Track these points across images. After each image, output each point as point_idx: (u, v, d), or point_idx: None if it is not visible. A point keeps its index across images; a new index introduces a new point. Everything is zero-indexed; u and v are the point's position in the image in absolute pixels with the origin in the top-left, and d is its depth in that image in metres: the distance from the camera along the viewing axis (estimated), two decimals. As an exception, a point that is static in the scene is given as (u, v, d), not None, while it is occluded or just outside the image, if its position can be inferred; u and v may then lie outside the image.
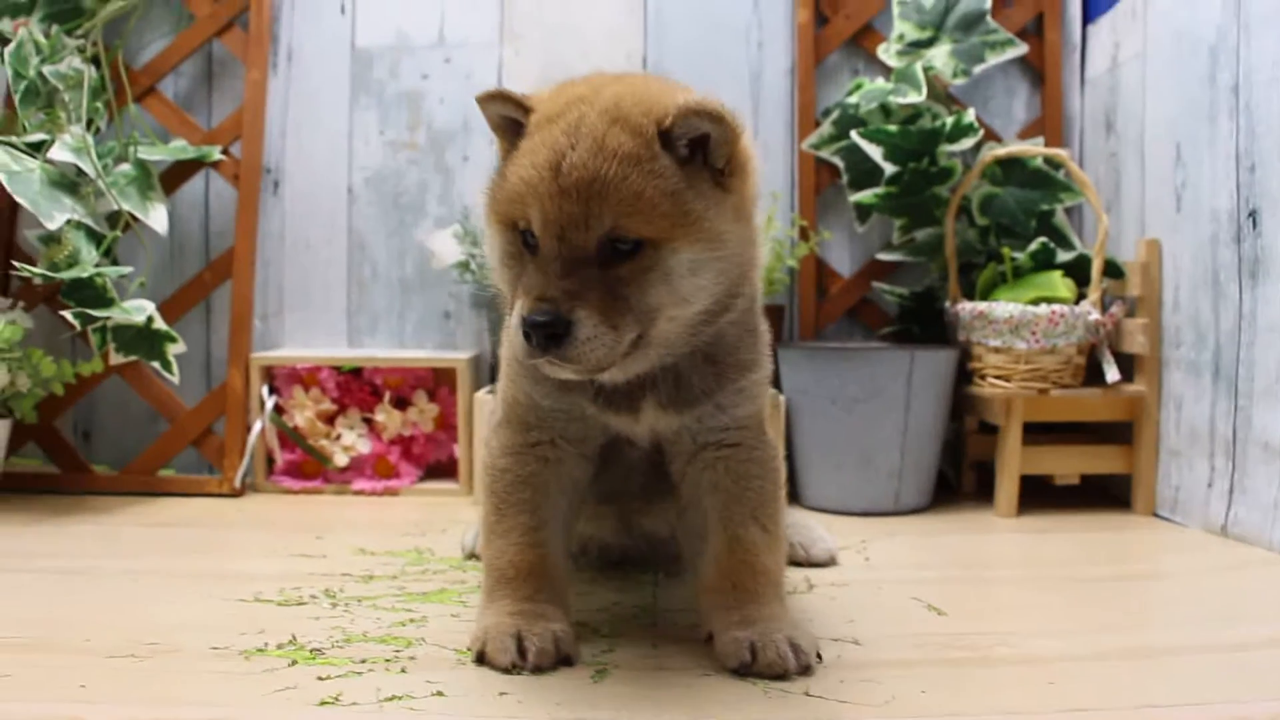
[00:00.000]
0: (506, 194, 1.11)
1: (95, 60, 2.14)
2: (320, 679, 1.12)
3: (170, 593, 1.46)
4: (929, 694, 1.09)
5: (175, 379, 2.07)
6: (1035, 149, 2.13)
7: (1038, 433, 2.04)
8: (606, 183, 1.05)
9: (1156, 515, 2.00)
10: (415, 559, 1.66)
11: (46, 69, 2.05)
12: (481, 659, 1.16)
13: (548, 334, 1.04)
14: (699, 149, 1.10)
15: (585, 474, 1.28)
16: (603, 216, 1.06)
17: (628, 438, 1.25)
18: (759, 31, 2.40)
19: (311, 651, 1.20)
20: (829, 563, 1.65)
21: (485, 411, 1.95)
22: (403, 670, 1.15)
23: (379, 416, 2.24)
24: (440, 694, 1.08)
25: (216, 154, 2.23)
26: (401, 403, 2.28)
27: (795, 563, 1.65)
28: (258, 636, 1.25)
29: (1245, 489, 1.75)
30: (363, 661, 1.17)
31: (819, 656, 1.17)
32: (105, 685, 1.10)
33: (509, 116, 1.16)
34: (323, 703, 1.05)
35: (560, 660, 1.16)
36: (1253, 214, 1.72)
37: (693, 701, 1.07)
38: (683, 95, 1.11)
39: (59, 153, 1.99)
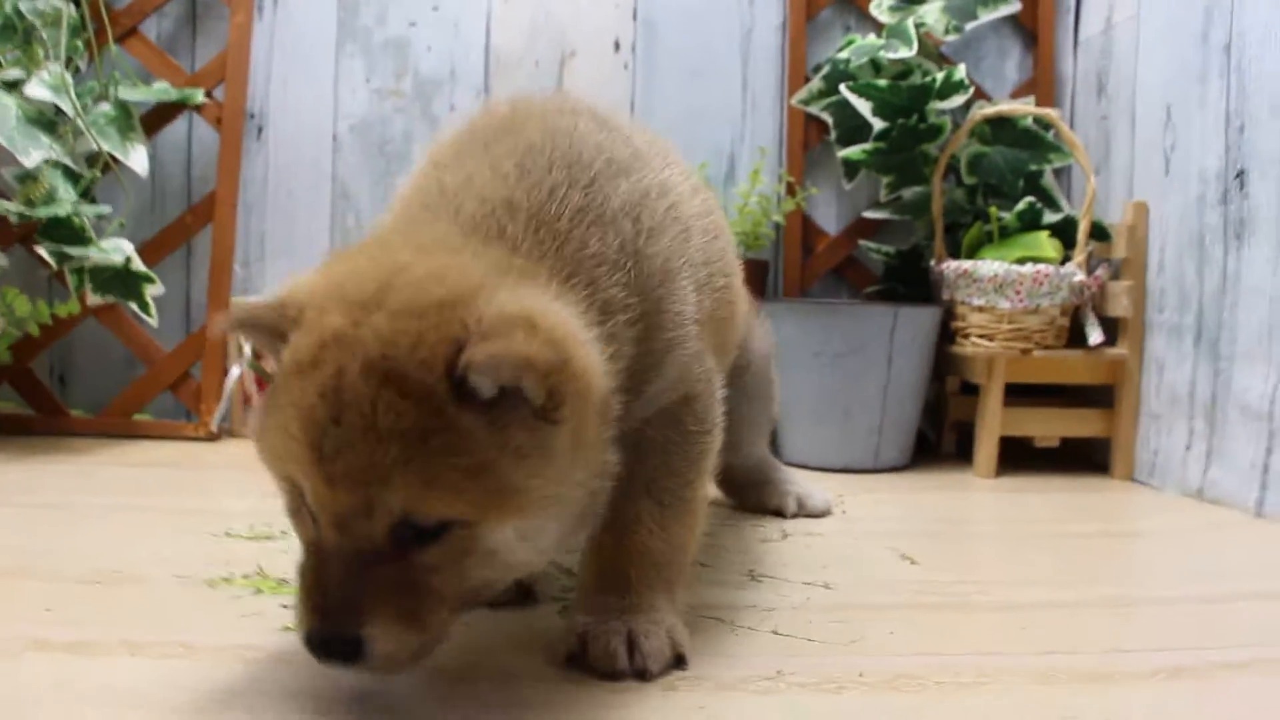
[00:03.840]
0: (273, 451, 0.84)
1: (75, -3, 2.10)
2: (284, 606, 1.11)
3: (141, 528, 1.45)
4: (896, 635, 1.09)
5: (153, 321, 2.05)
6: (1025, 109, 2.12)
7: (1019, 395, 2.04)
8: (386, 469, 0.77)
9: (1134, 480, 2.00)
10: (389, 502, 1.65)
11: (23, 4, 2.01)
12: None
13: (337, 655, 0.80)
14: (507, 389, 0.80)
15: None
16: (389, 503, 0.78)
17: None
18: (751, -14, 2.38)
19: (278, 582, 1.20)
20: (826, 513, 1.65)
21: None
22: (369, 602, 1.14)
23: (359, 365, 2.22)
24: (405, 624, 1.07)
25: (199, 97, 2.20)
26: (382, 352, 2.26)
27: (782, 513, 1.65)
28: (224, 567, 1.25)
29: (1223, 452, 1.75)
30: (329, 593, 1.16)
31: (680, 660, 0.98)
32: (70, 609, 1.09)
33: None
34: (286, 628, 1.04)
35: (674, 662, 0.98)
36: (1240, 174, 1.71)
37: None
38: (484, 311, 0.80)
39: (36, 89, 1.96)
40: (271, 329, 0.85)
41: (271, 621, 1.06)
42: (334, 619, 0.80)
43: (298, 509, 0.86)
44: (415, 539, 0.81)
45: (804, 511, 1.64)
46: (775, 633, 1.08)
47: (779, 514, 1.64)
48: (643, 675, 0.95)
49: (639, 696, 0.91)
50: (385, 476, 0.77)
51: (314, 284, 0.86)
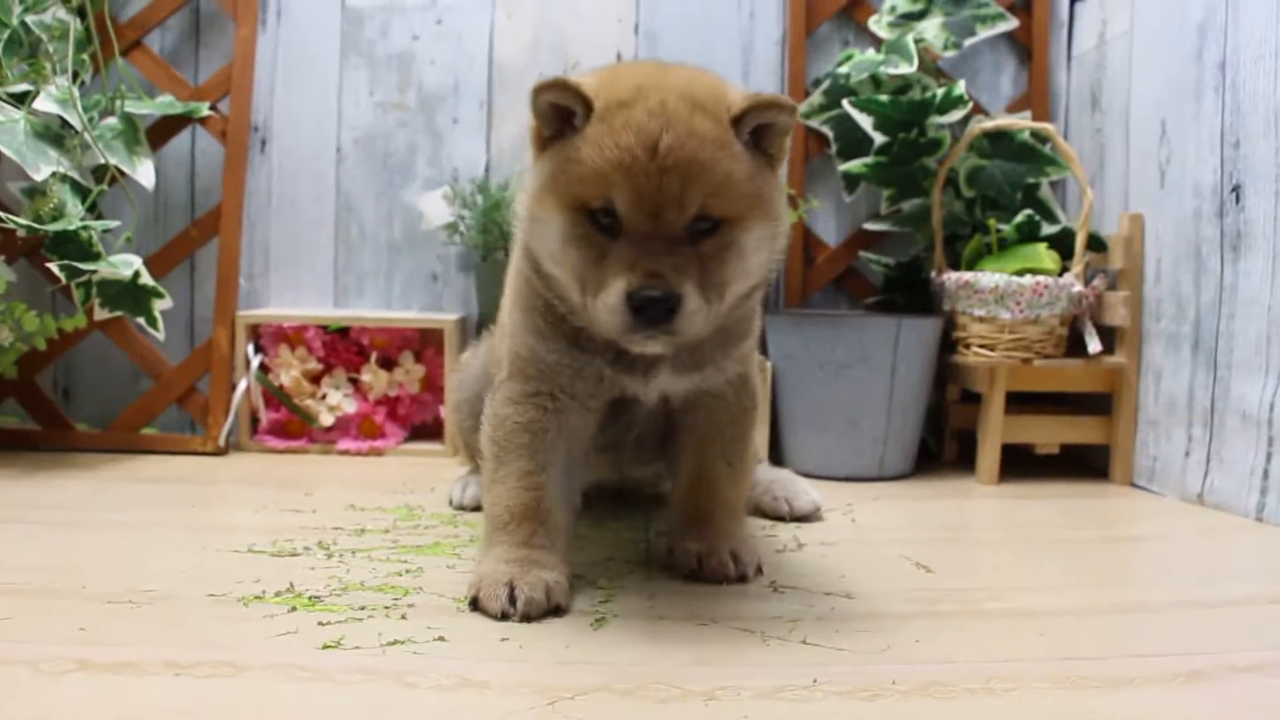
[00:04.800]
0: (580, 175, 1.13)
1: (80, 11, 2.10)
2: (321, 624, 1.12)
3: (163, 544, 1.46)
4: (923, 643, 1.12)
5: (161, 335, 2.06)
6: (1023, 123, 2.16)
7: (1019, 403, 2.07)
8: (702, 164, 1.10)
9: (1134, 485, 2.03)
10: (406, 515, 1.67)
11: (30, 19, 2.02)
12: (475, 605, 1.18)
13: (663, 308, 1.09)
14: (758, 136, 1.18)
15: (586, 425, 1.32)
16: (695, 196, 1.11)
17: (635, 397, 1.30)
18: (751, 1, 2.40)
19: (310, 599, 1.21)
20: (813, 514, 1.70)
21: (455, 377, 1.92)
22: (403, 617, 1.16)
23: (365, 377, 2.24)
24: (442, 639, 1.09)
25: (204, 110, 2.21)
26: (388, 363, 2.28)
27: (779, 516, 1.70)
28: (254, 585, 1.26)
29: (1222, 458, 1.79)
30: (362, 608, 1.18)
31: (760, 569, 1.35)
32: (105, 628, 1.10)
33: (561, 105, 1.16)
34: (325, 646, 1.06)
35: (550, 610, 1.17)
36: (1236, 189, 1.76)
37: (693, 647, 1.09)
38: (728, 85, 1.21)
39: (44, 104, 1.97)
40: (578, 94, 1.14)
41: (310, 639, 1.08)
42: (664, 279, 1.09)
43: (586, 235, 1.14)
44: (703, 232, 1.13)
45: (792, 514, 1.69)
46: (805, 642, 1.11)
47: (775, 518, 1.70)
48: (744, 579, 1.31)
49: (682, 708, 0.93)
50: (699, 173, 1.10)
51: (589, 82, 1.17)
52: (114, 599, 1.19)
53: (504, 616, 1.15)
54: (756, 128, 1.17)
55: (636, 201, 1.11)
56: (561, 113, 1.17)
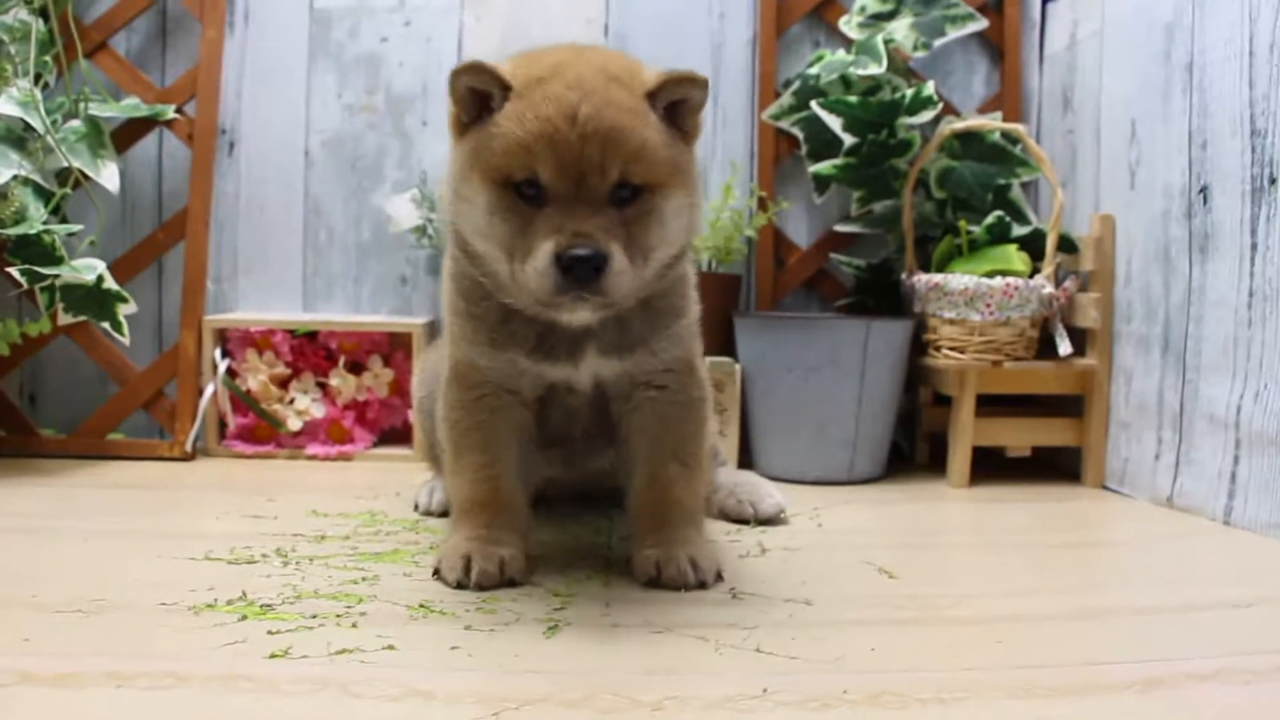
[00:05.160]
0: (504, 149, 1.17)
1: (43, 13, 2.09)
2: (270, 633, 1.11)
3: (120, 552, 1.44)
4: (878, 651, 1.11)
5: (126, 340, 2.04)
6: (993, 123, 2.15)
7: (990, 405, 2.07)
8: (620, 131, 1.16)
9: (1105, 487, 2.03)
10: (368, 521, 1.65)
11: (-8, 21, 2.00)
12: (437, 574, 1.31)
13: (590, 266, 1.13)
14: (672, 111, 1.24)
15: (528, 420, 1.39)
16: (615, 163, 1.16)
17: (568, 385, 1.35)
18: (721, 3, 2.39)
19: (262, 607, 1.20)
20: (777, 517, 1.69)
21: (416, 376, 1.91)
22: (354, 625, 1.14)
23: (333, 381, 2.22)
24: (391, 647, 1.08)
25: (170, 113, 2.19)
26: (356, 367, 2.26)
27: (743, 520, 1.69)
28: (207, 593, 1.24)
29: (1191, 460, 1.78)
30: (313, 617, 1.17)
31: (720, 575, 1.34)
32: (50, 639, 1.08)
33: (479, 89, 1.21)
34: (273, 655, 1.04)
35: (505, 581, 1.28)
36: (1204, 190, 1.75)
37: (644, 656, 1.08)
38: (644, 63, 1.27)
39: (5, 106, 1.95)
40: (494, 76, 1.19)
41: (258, 648, 1.06)
42: (591, 238, 1.13)
43: (511, 206, 1.18)
44: (619, 200, 1.17)
45: (756, 517, 1.68)
46: (759, 650, 1.10)
47: (740, 521, 1.69)
48: (703, 585, 1.30)
49: (629, 718, 0.92)
50: (617, 139, 1.15)
51: (505, 66, 1.22)
52: (63, 608, 1.18)
53: (459, 586, 1.27)
54: (671, 103, 1.23)
55: (559, 169, 1.15)
56: (479, 96, 1.21)
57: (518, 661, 1.05)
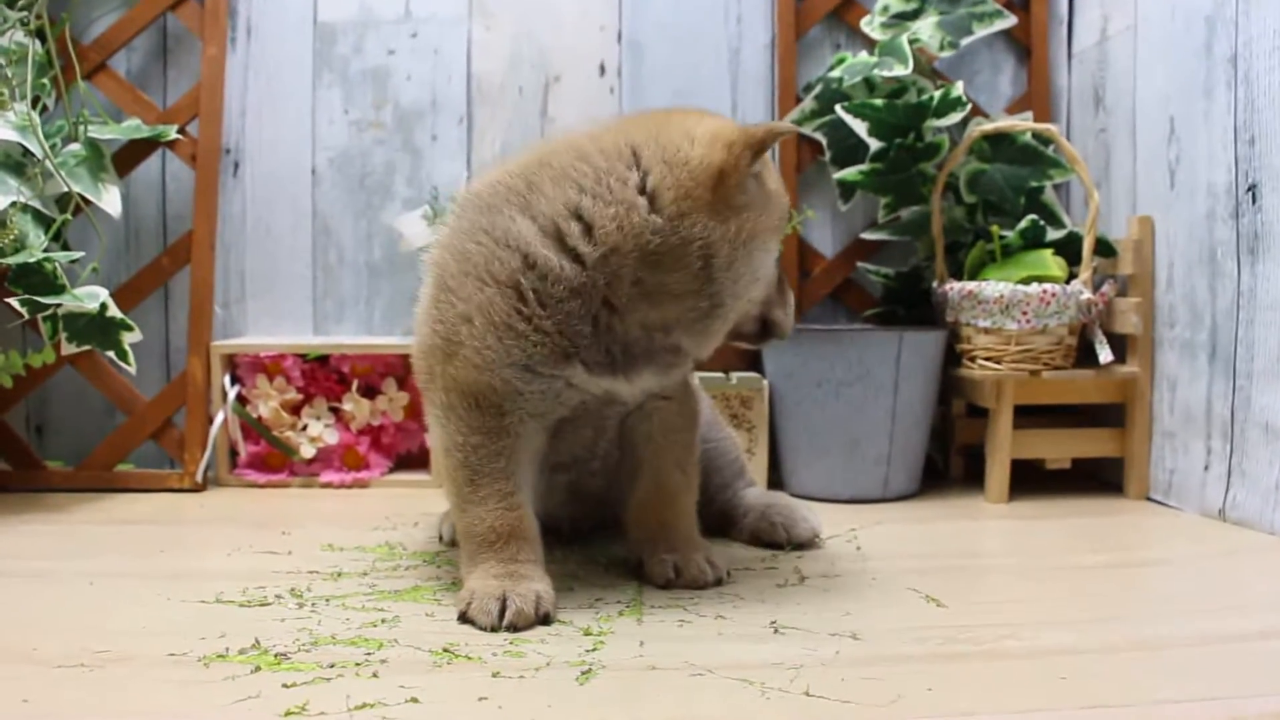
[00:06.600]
0: (785, 212, 1.36)
1: (40, 34, 2.03)
2: (285, 686, 1.04)
3: (126, 596, 1.37)
4: (936, 691, 1.03)
5: (132, 369, 1.97)
6: (1024, 124, 2.07)
7: (1027, 416, 1.99)
8: None
9: (1150, 499, 1.95)
10: (386, 554, 1.58)
11: (-11, 43, 1.94)
12: (464, 618, 1.23)
13: None
14: None
15: (543, 445, 1.34)
16: None
17: (609, 399, 1.31)
18: (738, 6, 2.32)
19: (276, 656, 1.12)
20: (812, 541, 1.61)
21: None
22: (374, 675, 1.07)
23: (347, 406, 2.15)
24: (415, 700, 1.00)
25: (173, 133, 2.13)
26: (370, 391, 2.20)
27: (776, 544, 1.61)
28: (218, 641, 1.17)
29: (1244, 472, 1.70)
30: (331, 666, 1.09)
31: (728, 574, 1.42)
32: (52, 698, 1.01)
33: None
34: (288, 713, 0.97)
35: (539, 619, 1.22)
36: (1252, 188, 1.67)
37: (687, 704, 1.00)
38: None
39: (2, 131, 1.88)
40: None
41: (273, 704, 0.99)
42: None
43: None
44: None
45: (790, 540, 1.61)
46: (808, 694, 1.02)
47: (773, 546, 1.62)
48: (719, 582, 1.39)
49: (675, 782, 0.84)
50: None
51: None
52: (65, 662, 1.11)
53: (493, 630, 1.20)
54: None
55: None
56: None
57: (551, 713, 0.98)
